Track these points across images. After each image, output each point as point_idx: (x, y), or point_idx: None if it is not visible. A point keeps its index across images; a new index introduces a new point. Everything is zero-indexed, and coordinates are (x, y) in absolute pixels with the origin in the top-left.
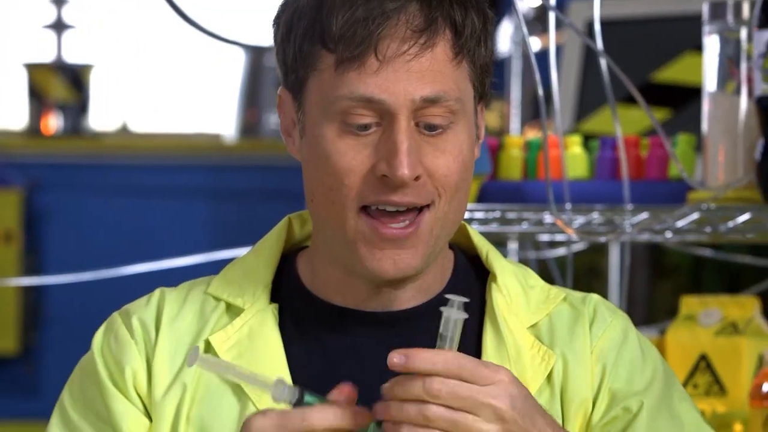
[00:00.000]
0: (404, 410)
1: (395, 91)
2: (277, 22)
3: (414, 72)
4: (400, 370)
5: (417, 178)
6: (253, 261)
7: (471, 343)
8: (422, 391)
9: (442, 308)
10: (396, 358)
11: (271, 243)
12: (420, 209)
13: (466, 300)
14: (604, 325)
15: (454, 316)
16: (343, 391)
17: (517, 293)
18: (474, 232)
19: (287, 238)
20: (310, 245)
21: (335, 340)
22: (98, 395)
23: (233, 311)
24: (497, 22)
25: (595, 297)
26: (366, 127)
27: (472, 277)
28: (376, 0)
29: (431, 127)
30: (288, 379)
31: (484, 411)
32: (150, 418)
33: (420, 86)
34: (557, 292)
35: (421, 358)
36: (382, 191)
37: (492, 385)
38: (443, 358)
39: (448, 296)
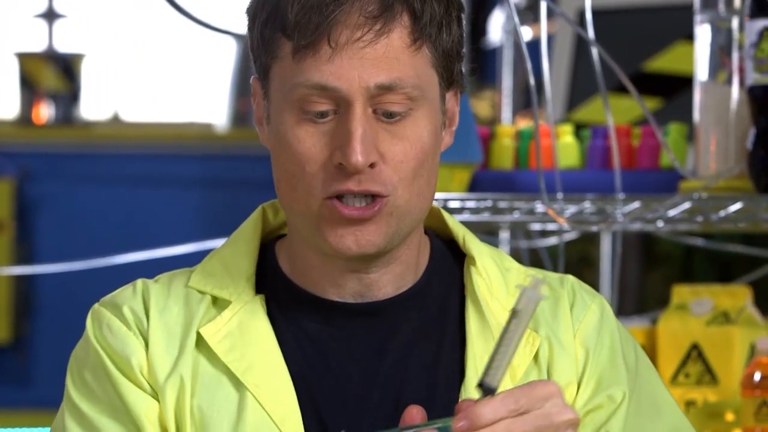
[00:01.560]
0: None
1: (349, 78)
2: (249, 11)
3: (368, 59)
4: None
5: (372, 165)
6: (232, 252)
7: (455, 327)
8: None
9: (521, 287)
10: (460, 424)
11: (249, 233)
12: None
13: (543, 282)
14: (584, 309)
15: (533, 297)
16: (414, 416)
17: (496, 276)
18: (448, 216)
19: (262, 227)
20: (287, 234)
21: (321, 331)
22: (109, 387)
23: (220, 304)
24: (488, 11)
25: (571, 278)
26: (323, 114)
27: (449, 261)
28: None
29: (389, 114)
30: (285, 371)
31: (562, 428)
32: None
33: (375, 73)
34: (534, 274)
35: (482, 414)
36: (340, 180)
37: (551, 400)
38: (501, 404)
39: (532, 278)
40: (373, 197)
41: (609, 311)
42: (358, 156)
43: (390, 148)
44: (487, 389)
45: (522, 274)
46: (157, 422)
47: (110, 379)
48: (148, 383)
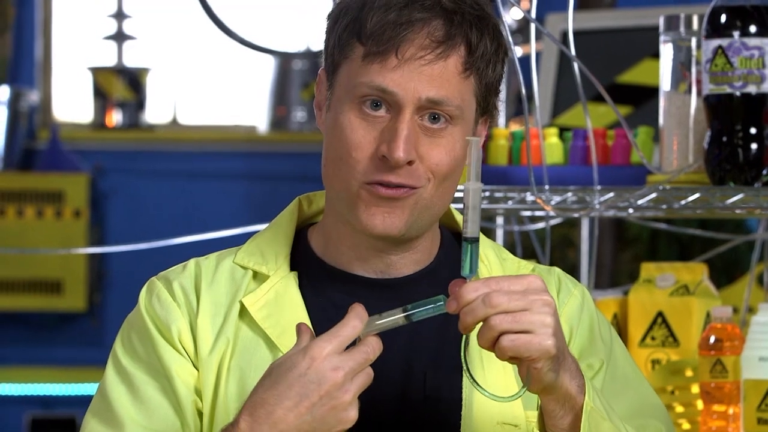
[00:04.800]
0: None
1: (407, 87)
2: (330, 17)
3: (425, 75)
4: (455, 311)
5: (410, 163)
6: (272, 235)
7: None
8: (486, 307)
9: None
10: (451, 305)
11: (286, 220)
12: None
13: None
14: (568, 294)
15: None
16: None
17: (495, 263)
18: (457, 212)
19: (298, 215)
20: (323, 215)
21: (346, 301)
22: (150, 347)
23: (260, 278)
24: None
25: (557, 269)
26: (377, 105)
27: (456, 249)
28: (408, 9)
29: (434, 120)
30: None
31: (535, 304)
32: (197, 369)
33: (428, 88)
34: (526, 264)
35: (465, 293)
36: (381, 170)
37: (531, 285)
38: (482, 284)
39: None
40: (405, 188)
41: (588, 297)
42: (401, 153)
43: (428, 151)
44: (471, 239)
45: (516, 263)
46: (186, 380)
47: (151, 341)
48: (185, 349)
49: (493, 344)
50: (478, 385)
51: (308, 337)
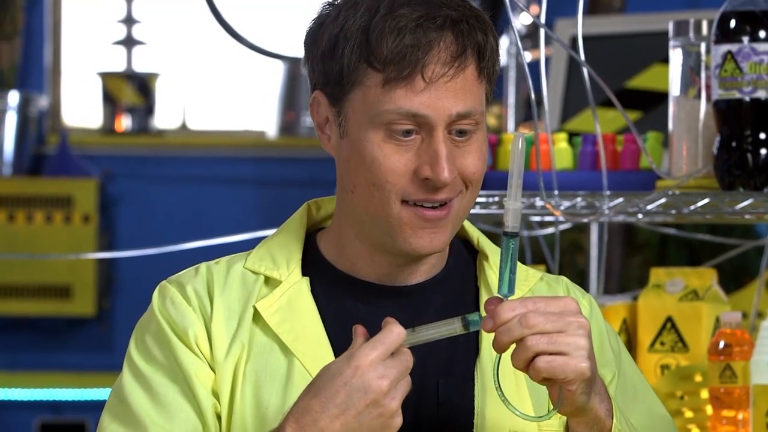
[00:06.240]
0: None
1: (437, 107)
2: (314, 36)
3: (451, 91)
4: (490, 330)
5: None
6: (282, 240)
7: (470, 310)
8: (523, 327)
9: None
10: (487, 323)
11: (296, 225)
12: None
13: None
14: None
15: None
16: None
17: None
18: (465, 221)
19: (307, 220)
20: (332, 226)
21: (359, 308)
22: (167, 351)
23: (272, 283)
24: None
25: (564, 279)
26: (409, 133)
27: (465, 256)
28: (421, 30)
29: (460, 134)
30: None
31: (571, 326)
32: (214, 373)
33: (455, 103)
34: (534, 272)
35: (502, 312)
36: (425, 191)
37: (567, 308)
38: (519, 304)
39: (514, 134)
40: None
41: (596, 307)
42: (446, 173)
43: (463, 162)
44: (511, 234)
45: (524, 270)
46: (206, 383)
47: (169, 344)
48: (202, 353)
49: (527, 365)
50: (509, 403)
51: (362, 341)
